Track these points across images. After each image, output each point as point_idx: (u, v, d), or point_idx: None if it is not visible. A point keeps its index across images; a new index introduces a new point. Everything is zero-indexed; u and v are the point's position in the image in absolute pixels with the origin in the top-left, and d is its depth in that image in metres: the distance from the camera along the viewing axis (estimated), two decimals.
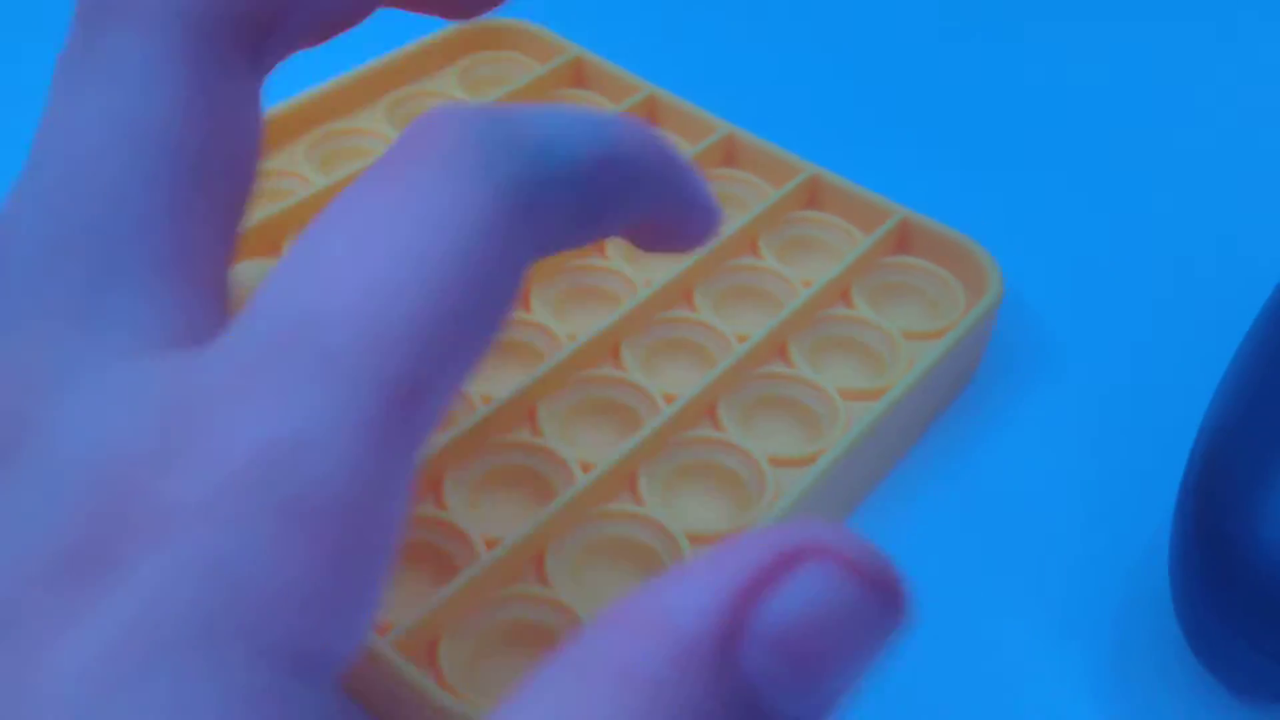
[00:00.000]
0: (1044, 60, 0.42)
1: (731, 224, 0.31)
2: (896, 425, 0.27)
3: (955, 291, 0.30)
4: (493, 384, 0.28)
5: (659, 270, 0.31)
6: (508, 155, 0.15)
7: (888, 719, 0.23)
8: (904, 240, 0.31)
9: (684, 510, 0.26)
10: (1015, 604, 0.25)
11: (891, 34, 0.42)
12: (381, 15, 0.41)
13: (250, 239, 0.30)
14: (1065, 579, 0.26)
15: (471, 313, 0.14)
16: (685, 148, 0.34)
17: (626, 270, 0.30)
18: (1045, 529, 0.27)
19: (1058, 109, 0.40)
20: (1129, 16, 0.44)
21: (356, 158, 0.33)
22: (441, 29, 0.37)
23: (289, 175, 0.32)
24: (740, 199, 0.33)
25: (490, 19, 0.37)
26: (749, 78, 0.40)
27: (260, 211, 0.30)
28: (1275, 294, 0.27)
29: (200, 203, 0.16)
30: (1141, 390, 0.30)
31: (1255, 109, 0.40)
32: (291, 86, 0.37)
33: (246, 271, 0.28)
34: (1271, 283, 0.33)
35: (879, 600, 0.12)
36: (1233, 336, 0.32)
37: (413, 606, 0.23)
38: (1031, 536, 0.27)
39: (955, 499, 0.27)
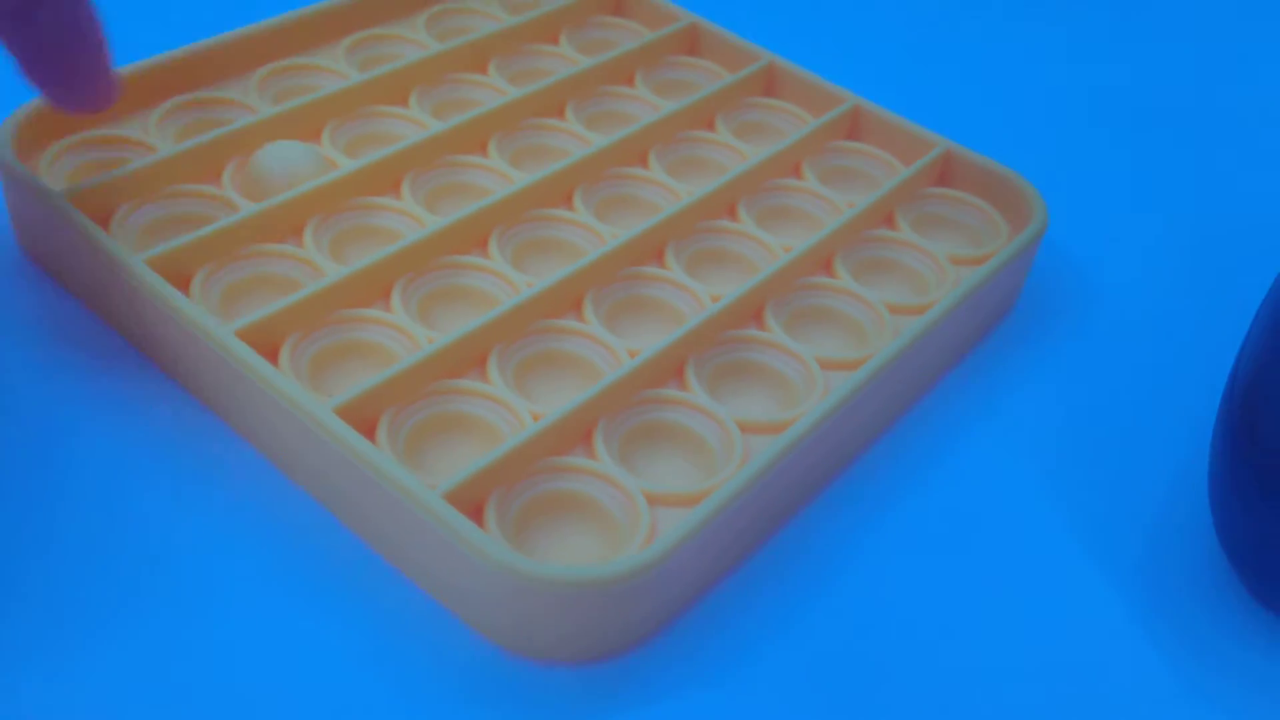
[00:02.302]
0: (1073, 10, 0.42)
1: (772, 147, 0.31)
2: (941, 338, 0.27)
3: (997, 223, 0.30)
4: (535, 274, 0.27)
5: (700, 184, 0.30)
6: None
7: (933, 623, 0.23)
8: (946, 172, 0.31)
9: (734, 403, 0.25)
10: (1051, 520, 0.25)
11: None
12: None
13: (291, 124, 0.29)
14: (1103, 497, 0.26)
15: None
16: (725, 78, 0.34)
17: (670, 182, 0.30)
18: (1083, 449, 0.27)
19: (1100, 48, 0.40)
20: None
21: (392, 61, 0.33)
22: None
23: (328, 72, 0.32)
24: (781, 128, 0.33)
25: None
26: (791, 6, 0.40)
27: (301, 100, 0.29)
28: None
29: None
30: (1177, 322, 0.30)
31: None
32: (251, 17, 0.35)
33: (291, 149, 0.27)
34: None
35: None
36: (1262, 278, 0.32)
37: (461, 469, 0.22)
38: (1069, 455, 0.26)
39: (996, 419, 0.27)
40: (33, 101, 0.27)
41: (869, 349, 0.26)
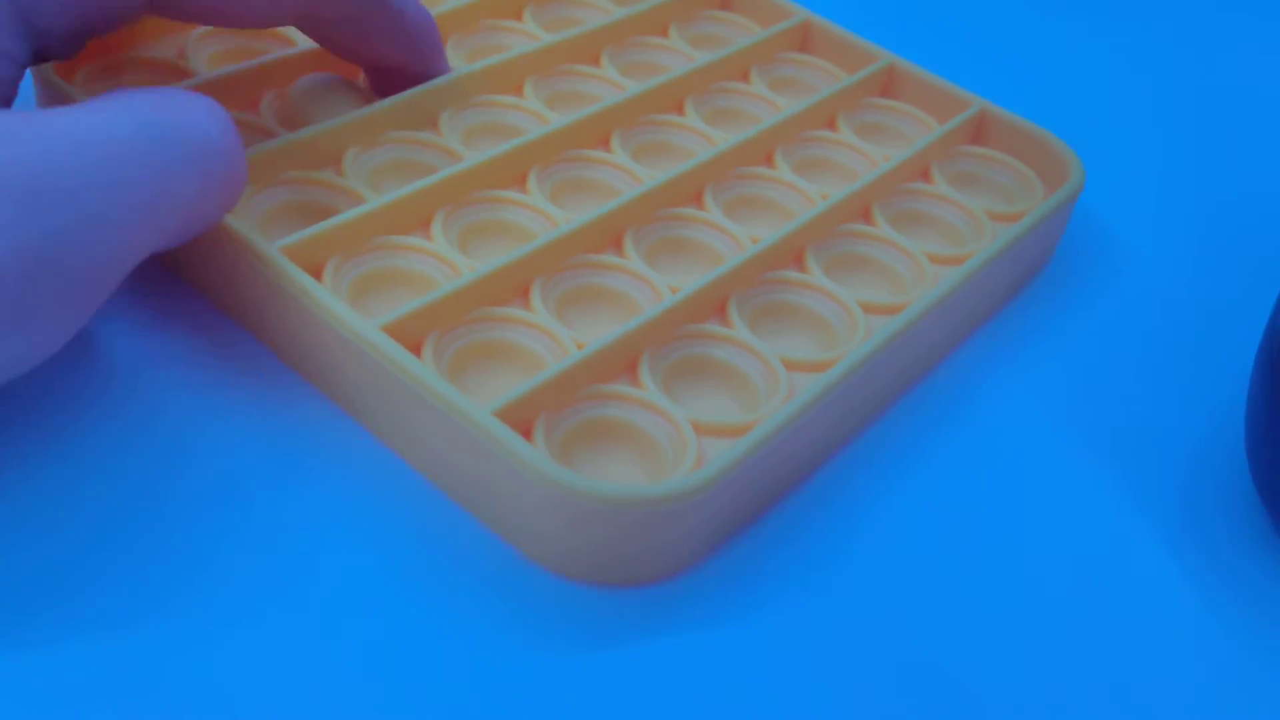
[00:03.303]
0: None
1: (808, 99, 0.31)
2: (978, 289, 0.27)
3: (1032, 183, 0.30)
4: (575, 212, 0.27)
5: (735, 134, 0.30)
6: None
7: (960, 587, 0.22)
8: (981, 131, 0.31)
9: (775, 342, 0.25)
10: (1086, 475, 0.25)
11: None
12: None
13: (329, 60, 0.29)
14: (1136, 452, 0.26)
15: None
16: (759, 33, 0.34)
17: (707, 129, 0.30)
18: (1115, 402, 0.27)
19: (1144, 12, 0.40)
20: None
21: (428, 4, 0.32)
22: None
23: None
24: (815, 85, 0.33)
25: None
26: None
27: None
28: None
29: None
30: (1208, 287, 0.30)
31: None
32: None
33: (331, 81, 0.27)
34: None
35: None
36: None
37: (508, 392, 0.22)
38: (1103, 411, 0.26)
39: (1029, 370, 0.27)
40: None
41: (908, 296, 0.26)
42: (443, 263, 0.25)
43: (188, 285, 0.25)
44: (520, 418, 0.21)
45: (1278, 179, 0.35)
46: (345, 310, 0.21)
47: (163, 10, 0.23)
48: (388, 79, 0.28)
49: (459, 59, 0.31)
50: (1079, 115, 0.36)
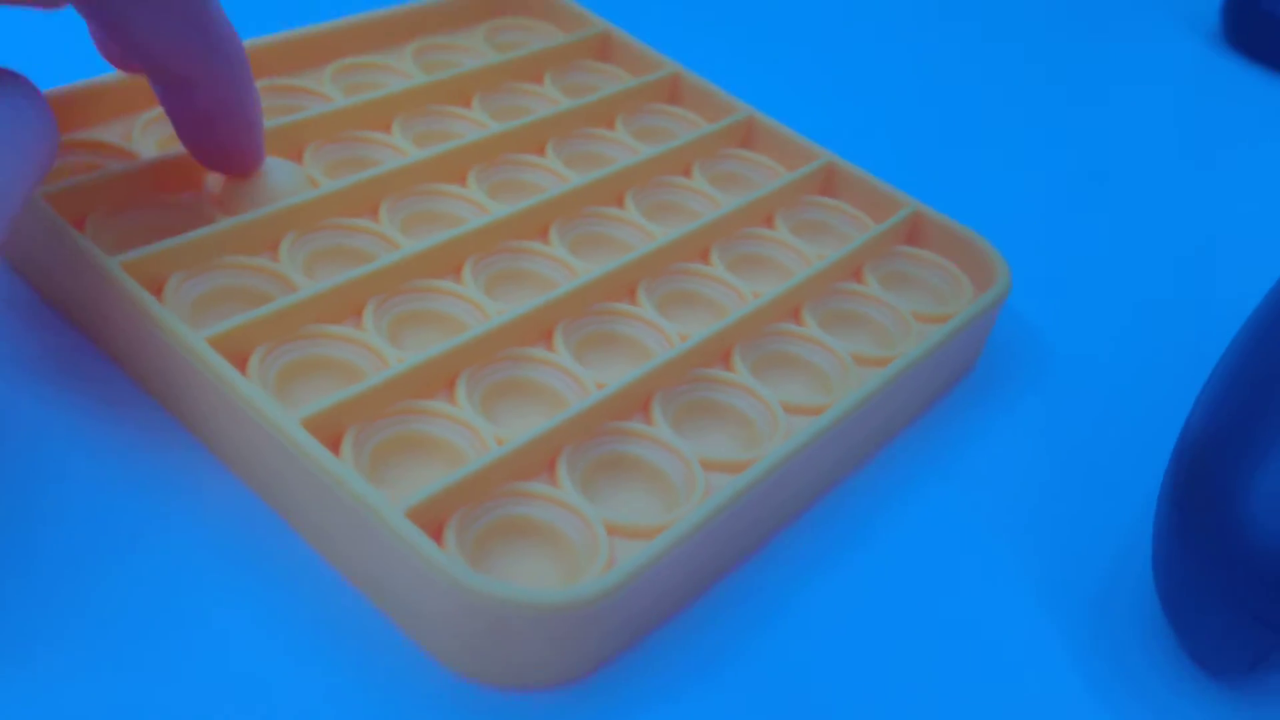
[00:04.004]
0: (1055, 74, 0.43)
1: (747, 196, 0.31)
2: (902, 391, 0.27)
3: (962, 284, 0.31)
4: (508, 303, 0.27)
5: (675, 228, 0.31)
6: None
7: (875, 686, 0.23)
8: (915, 232, 0.32)
9: (698, 440, 0.25)
10: (1002, 581, 0.25)
11: (911, 37, 0.44)
12: None
13: (274, 141, 0.29)
14: (1051, 560, 0.26)
15: None
16: (704, 127, 0.35)
17: (645, 223, 0.30)
18: (1033, 512, 0.27)
19: (1066, 120, 0.41)
20: (1148, 38, 0.46)
21: (377, 88, 0.33)
22: None
23: (314, 94, 0.32)
24: (756, 180, 0.34)
25: None
26: (772, 64, 0.41)
27: (286, 119, 0.30)
28: (1259, 306, 0.29)
29: None
30: (1130, 389, 0.31)
31: (1249, 132, 0.42)
32: (325, 15, 0.36)
33: (273, 165, 0.28)
34: (1259, 294, 0.35)
35: None
36: (1218, 344, 0.33)
37: (424, 488, 0.22)
38: (1019, 518, 0.27)
39: (949, 479, 0.28)
40: None
41: (833, 397, 0.27)
42: (371, 352, 0.25)
43: (108, 358, 0.25)
44: (435, 515, 0.21)
45: (1203, 282, 0.36)
46: (265, 400, 0.22)
47: None
48: (181, 102, 0.25)
49: (406, 142, 0.31)
50: (1011, 215, 0.37)
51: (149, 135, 0.29)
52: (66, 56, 0.33)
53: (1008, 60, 0.46)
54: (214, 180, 0.28)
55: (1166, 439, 0.30)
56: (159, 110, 0.30)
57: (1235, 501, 0.23)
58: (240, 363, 0.24)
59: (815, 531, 0.25)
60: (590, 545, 0.22)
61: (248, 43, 0.32)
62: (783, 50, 0.43)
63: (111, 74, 0.29)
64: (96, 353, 0.25)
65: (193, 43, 0.23)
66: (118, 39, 0.23)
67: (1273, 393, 0.25)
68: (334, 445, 0.23)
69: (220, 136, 0.26)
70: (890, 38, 0.46)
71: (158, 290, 0.25)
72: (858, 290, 0.30)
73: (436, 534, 0.21)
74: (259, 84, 0.32)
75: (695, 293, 0.29)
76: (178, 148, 0.28)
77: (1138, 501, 0.28)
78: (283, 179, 0.28)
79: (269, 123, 0.29)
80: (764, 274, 0.31)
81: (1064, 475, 0.28)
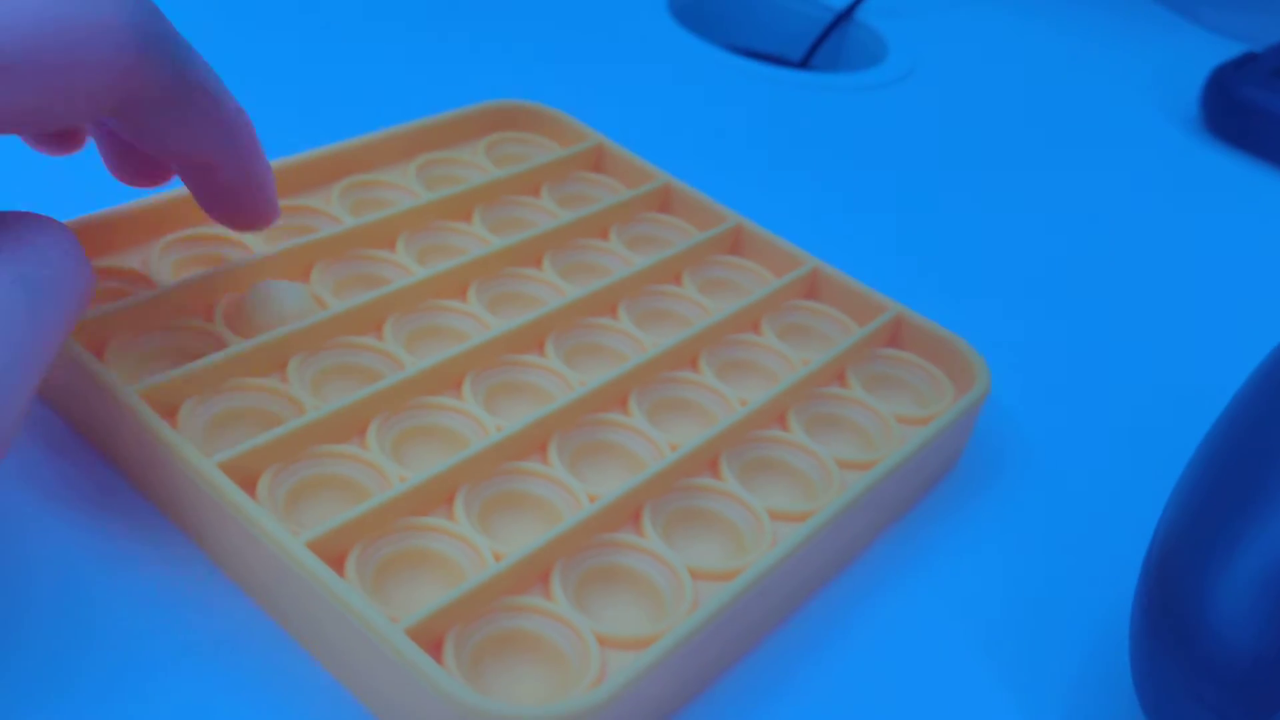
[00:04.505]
0: (1036, 167, 0.45)
1: (735, 304, 0.33)
2: (886, 495, 0.28)
3: (943, 385, 0.32)
4: (505, 416, 0.29)
5: (665, 336, 0.32)
6: None
7: None
8: (897, 334, 0.33)
9: (687, 548, 0.26)
10: (981, 680, 0.26)
11: (892, 146, 0.46)
12: (419, 87, 0.44)
13: (283, 264, 0.31)
14: (1032, 659, 0.27)
15: None
16: (696, 234, 0.36)
17: (637, 332, 0.32)
18: (1014, 607, 0.28)
19: (1047, 212, 0.42)
20: (1126, 144, 0.48)
21: (383, 206, 0.35)
22: (474, 105, 0.39)
23: (322, 214, 0.34)
24: (744, 286, 0.35)
25: (520, 102, 0.39)
26: (758, 175, 0.42)
27: (294, 241, 0.31)
28: (1226, 409, 0.30)
29: None
30: (1112, 484, 0.32)
31: (1229, 219, 0.43)
32: (331, 136, 0.38)
33: (281, 289, 0.29)
34: (1229, 395, 0.36)
35: None
36: (1192, 442, 0.34)
37: (424, 607, 0.23)
38: (1000, 613, 0.28)
39: (931, 577, 0.29)
40: None
41: (816, 502, 0.28)
42: (375, 470, 0.26)
43: (122, 477, 0.27)
44: (434, 631, 0.22)
45: (1185, 373, 0.37)
46: (274, 524, 0.23)
47: None
48: (204, 180, 0.27)
49: (410, 258, 0.33)
50: (991, 311, 0.38)
51: (166, 259, 0.31)
52: (78, 185, 0.35)
53: (988, 158, 0.48)
54: (226, 303, 0.30)
55: (1148, 534, 0.31)
56: (174, 236, 0.31)
57: (1200, 603, 0.24)
58: (251, 483, 0.25)
59: (801, 633, 0.26)
60: (582, 657, 0.23)
61: None
62: (769, 161, 0.45)
63: (127, 202, 0.31)
64: (116, 473, 0.27)
65: (211, 132, 0.26)
66: (146, 144, 0.25)
67: (1238, 493, 0.26)
68: (339, 562, 0.24)
69: (240, 201, 0.28)
70: (871, 148, 0.48)
71: (173, 413, 0.26)
72: (841, 394, 0.31)
73: (436, 648, 0.23)
74: None
75: (684, 399, 0.30)
76: (193, 273, 0.30)
77: (1120, 598, 0.29)
78: (291, 302, 0.29)
79: (282, 244, 0.31)
80: (751, 379, 0.32)
81: (1045, 573, 0.29)
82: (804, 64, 0.59)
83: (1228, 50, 0.63)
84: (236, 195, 0.28)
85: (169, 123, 0.25)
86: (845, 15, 0.58)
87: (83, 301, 0.22)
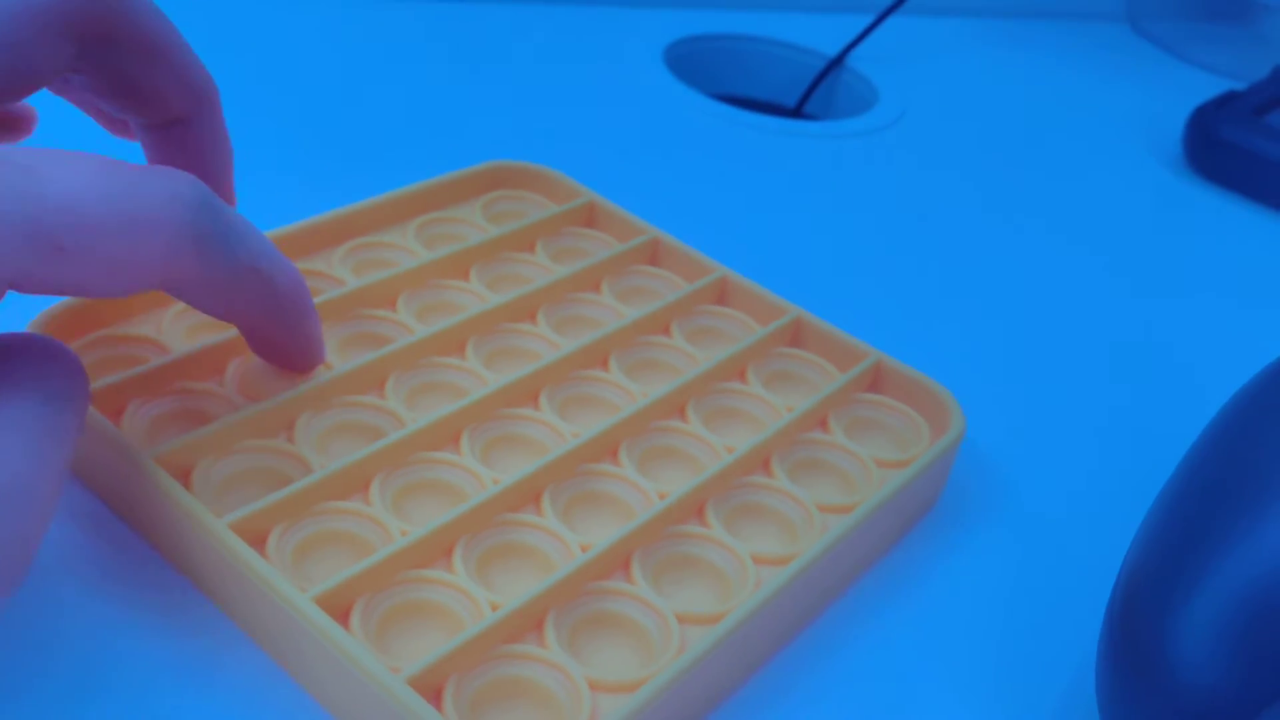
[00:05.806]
0: (1018, 207, 0.47)
1: (721, 353, 0.34)
2: (865, 537, 0.30)
3: (920, 428, 0.34)
4: (501, 469, 0.30)
5: (655, 385, 0.34)
6: None
7: None
8: (877, 379, 0.35)
9: (675, 593, 0.28)
10: (958, 711, 0.27)
11: (871, 194, 0.47)
12: (417, 152, 0.45)
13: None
14: (1008, 691, 0.28)
15: None
16: (684, 286, 0.38)
17: (628, 383, 0.33)
18: (990, 644, 0.29)
19: (1028, 250, 0.44)
20: (1104, 189, 0.49)
21: (385, 266, 0.36)
22: (471, 167, 0.41)
23: (327, 277, 0.35)
24: (730, 334, 0.37)
25: (514, 162, 0.41)
26: (742, 227, 0.44)
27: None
28: (1190, 449, 0.31)
29: None
30: (1082, 525, 0.33)
31: (1204, 272, 0.45)
32: (336, 201, 0.40)
33: None
34: (1192, 438, 0.37)
35: None
36: (1163, 482, 0.35)
37: (424, 657, 0.24)
38: (977, 650, 0.29)
39: (912, 613, 0.30)
40: (55, 305, 0.31)
41: (798, 546, 0.29)
42: (378, 525, 0.28)
43: (135, 532, 0.28)
44: (434, 680, 0.24)
45: (1160, 411, 0.38)
46: (281, 581, 0.24)
47: (21, 287, 0.22)
48: (262, 339, 0.29)
49: (410, 316, 0.34)
50: (968, 353, 0.40)
51: (178, 325, 0.33)
52: None
53: (974, 199, 0.49)
54: (236, 366, 0.31)
55: (1113, 575, 0.32)
56: (181, 305, 0.33)
57: (1161, 641, 0.25)
58: (260, 541, 0.27)
59: (784, 672, 0.28)
60: (575, 702, 0.24)
61: (269, 233, 0.35)
62: (758, 209, 0.46)
63: None
64: (133, 535, 0.28)
65: (262, 305, 0.27)
66: (199, 308, 0.26)
67: (1199, 532, 0.27)
68: (344, 615, 0.25)
69: (290, 356, 0.29)
70: (859, 193, 0.49)
71: (187, 475, 0.28)
72: (823, 439, 0.33)
73: (436, 696, 0.24)
74: None
75: (673, 448, 0.32)
76: (204, 338, 0.31)
77: (1094, 633, 0.30)
78: None
79: None
80: (737, 426, 0.33)
81: (1021, 610, 0.30)
82: (797, 111, 0.61)
83: (1215, 87, 0.64)
84: (286, 351, 0.29)
85: (218, 302, 0.26)
86: (837, 61, 0.60)
87: (79, 415, 0.23)
